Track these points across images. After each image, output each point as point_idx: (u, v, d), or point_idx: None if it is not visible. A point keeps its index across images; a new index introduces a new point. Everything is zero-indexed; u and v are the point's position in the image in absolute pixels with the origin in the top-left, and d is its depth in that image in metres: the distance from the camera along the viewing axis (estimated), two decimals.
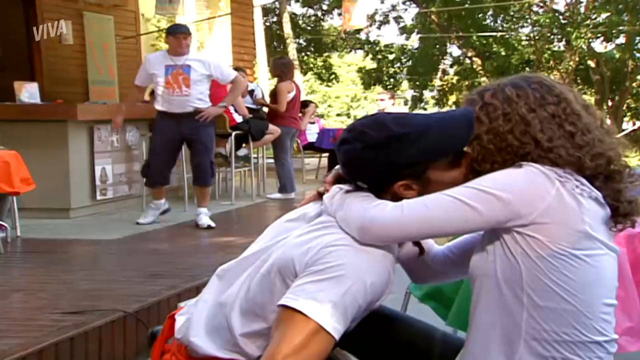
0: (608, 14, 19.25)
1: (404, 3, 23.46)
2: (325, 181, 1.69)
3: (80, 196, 6.17)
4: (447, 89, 23.19)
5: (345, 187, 1.61)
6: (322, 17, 25.46)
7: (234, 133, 7.04)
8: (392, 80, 24.39)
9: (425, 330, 1.81)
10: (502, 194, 1.45)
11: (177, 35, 5.59)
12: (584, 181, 1.50)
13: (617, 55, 19.46)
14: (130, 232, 5.45)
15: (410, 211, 1.49)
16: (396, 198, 1.57)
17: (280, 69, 7.69)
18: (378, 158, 1.55)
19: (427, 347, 1.76)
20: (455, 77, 23.27)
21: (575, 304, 1.47)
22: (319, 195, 1.68)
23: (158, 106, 5.68)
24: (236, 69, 8.82)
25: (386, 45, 24.46)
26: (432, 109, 23.86)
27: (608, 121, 1.65)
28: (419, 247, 1.75)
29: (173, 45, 5.63)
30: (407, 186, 1.57)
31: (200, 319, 1.63)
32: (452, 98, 22.48)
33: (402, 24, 23.79)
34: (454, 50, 23.64)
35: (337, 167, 1.69)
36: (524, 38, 20.94)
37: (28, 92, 6.32)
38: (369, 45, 24.63)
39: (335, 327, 1.44)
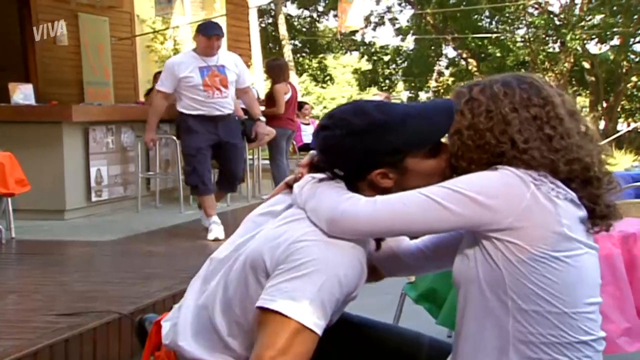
0: (602, 15, 19.31)
1: (399, 4, 23.52)
2: (300, 164, 1.68)
3: (75, 198, 6.16)
4: (442, 90, 23.23)
5: (318, 176, 1.60)
6: (317, 19, 25.48)
7: None
8: (387, 81, 24.43)
9: (412, 336, 1.80)
10: (478, 196, 1.45)
11: (211, 37, 5.24)
12: (559, 183, 1.51)
13: (612, 57, 19.51)
14: (126, 233, 5.44)
15: (383, 207, 1.49)
16: (372, 186, 1.57)
17: (274, 70, 7.69)
18: (358, 145, 1.55)
19: (414, 352, 1.76)
20: (451, 79, 23.32)
21: (559, 306, 1.48)
22: (288, 186, 1.67)
23: (190, 110, 5.28)
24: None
25: (382, 47, 24.50)
26: None
27: (594, 127, 1.66)
28: (377, 243, 1.74)
29: (203, 46, 5.27)
30: (384, 174, 1.57)
31: (187, 323, 1.62)
32: None
33: (397, 26, 23.84)
34: (450, 51, 23.71)
35: (312, 152, 1.68)
36: (519, 39, 20.99)
37: (22, 94, 6.31)
38: (365, 47, 24.66)
39: (316, 323, 1.44)
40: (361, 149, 1.55)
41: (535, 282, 1.46)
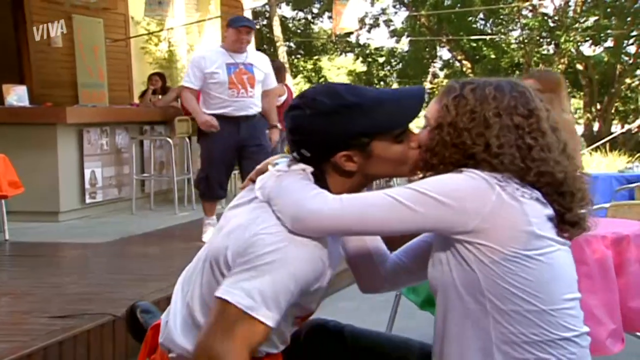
0: (596, 17, 19.38)
1: (394, 6, 23.55)
2: (270, 160, 1.69)
3: (70, 199, 6.15)
4: (437, 91, 23.28)
5: (282, 169, 1.59)
6: (312, 20, 25.49)
7: None
8: (382, 83, 24.45)
9: (402, 342, 1.80)
10: (443, 198, 1.46)
11: (240, 28, 4.91)
12: (523, 184, 1.52)
13: (605, 59, 19.58)
14: (120, 235, 5.43)
15: (348, 206, 1.49)
16: (336, 169, 1.58)
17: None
18: (326, 126, 1.55)
19: (403, 356, 1.75)
20: (446, 80, 23.34)
21: (537, 304, 1.49)
22: (252, 181, 1.67)
23: (212, 109, 5.00)
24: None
25: (376, 49, 24.53)
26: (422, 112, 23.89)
27: (576, 140, 1.68)
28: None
29: (232, 40, 4.95)
30: (349, 157, 1.57)
31: (176, 320, 1.64)
32: None
33: (392, 27, 23.87)
34: (444, 53, 23.75)
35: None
36: (513, 41, 21.05)
37: (17, 95, 6.29)
38: (359, 48, 24.68)
39: (266, 314, 1.45)
40: (329, 129, 1.55)
41: (511, 282, 1.47)
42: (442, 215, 1.46)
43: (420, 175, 1.59)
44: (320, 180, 1.58)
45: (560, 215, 1.54)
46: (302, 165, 1.59)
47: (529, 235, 1.48)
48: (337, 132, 1.55)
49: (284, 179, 1.57)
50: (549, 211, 1.53)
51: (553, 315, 1.50)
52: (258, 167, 1.68)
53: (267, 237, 1.49)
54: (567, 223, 1.55)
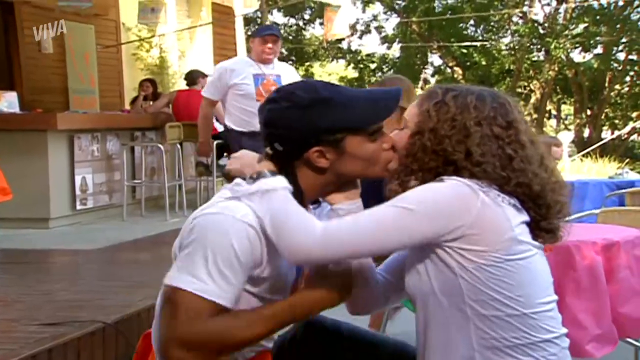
0: (585, 24, 19.51)
1: (385, 13, 23.61)
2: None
3: (60, 206, 6.12)
4: None
5: (267, 184, 1.55)
6: (303, 27, 25.53)
7: (215, 142, 7.03)
8: None
9: (399, 344, 1.79)
10: (430, 211, 1.47)
11: (265, 37, 4.83)
12: (501, 191, 1.53)
13: (595, 66, 19.70)
14: (111, 242, 5.41)
15: (341, 233, 1.48)
16: (308, 165, 1.58)
17: None
18: (300, 119, 1.56)
19: (399, 357, 1.75)
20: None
21: (518, 308, 1.50)
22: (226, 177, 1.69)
23: (241, 127, 4.89)
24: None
25: (368, 55, 24.58)
26: None
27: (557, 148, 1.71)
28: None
29: (257, 50, 4.86)
30: (321, 153, 1.58)
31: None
32: None
33: (383, 34, 23.93)
34: (435, 59, 23.82)
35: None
36: (504, 48, 21.14)
37: (7, 101, 6.27)
38: (351, 55, 24.73)
39: (213, 291, 1.46)
40: (304, 123, 1.56)
41: (493, 287, 1.49)
42: (430, 227, 1.47)
43: (399, 181, 1.59)
44: (291, 175, 1.58)
45: (535, 222, 1.56)
46: (282, 182, 1.55)
47: (512, 240, 1.50)
48: (312, 127, 1.56)
49: (272, 201, 1.53)
50: (525, 217, 1.55)
51: (533, 318, 1.51)
52: (236, 167, 1.66)
53: (200, 219, 1.53)
54: (543, 230, 1.58)
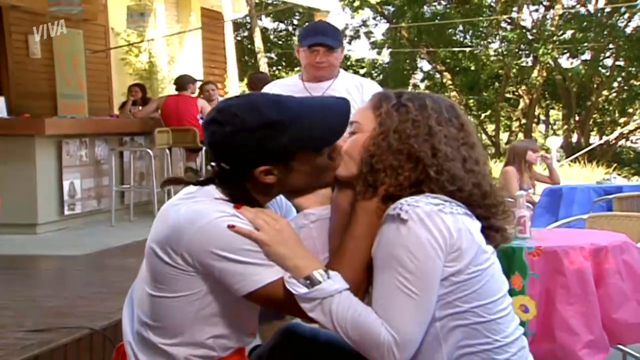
0: (573, 30, 19.65)
1: (374, 18, 23.67)
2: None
3: (48, 211, 6.08)
4: None
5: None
6: (293, 32, 25.54)
7: (204, 147, 7.02)
8: None
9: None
10: (426, 276, 1.48)
11: (313, 48, 3.22)
12: (452, 200, 1.55)
13: (583, 71, 19.83)
14: (99, 247, 5.38)
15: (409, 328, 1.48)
16: (254, 181, 1.58)
17: (256, 84, 7.69)
18: (247, 143, 1.54)
19: None
20: (427, 92, 23.48)
21: (485, 315, 1.52)
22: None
23: None
24: (207, 82, 8.83)
25: (357, 60, 24.62)
26: None
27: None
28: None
29: (304, 64, 3.32)
30: (269, 171, 1.57)
31: None
32: None
33: (372, 39, 23.99)
34: (424, 65, 23.90)
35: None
36: (492, 53, 21.25)
37: None
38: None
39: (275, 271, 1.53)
40: (250, 146, 1.54)
41: (462, 298, 1.51)
42: (437, 272, 1.49)
43: (368, 185, 1.58)
44: (242, 188, 1.58)
45: (486, 222, 1.59)
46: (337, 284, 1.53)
47: (478, 249, 1.52)
48: (258, 149, 1.54)
49: (333, 312, 1.51)
50: (479, 223, 1.57)
51: (497, 322, 1.54)
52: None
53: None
54: (493, 229, 1.60)
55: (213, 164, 1.62)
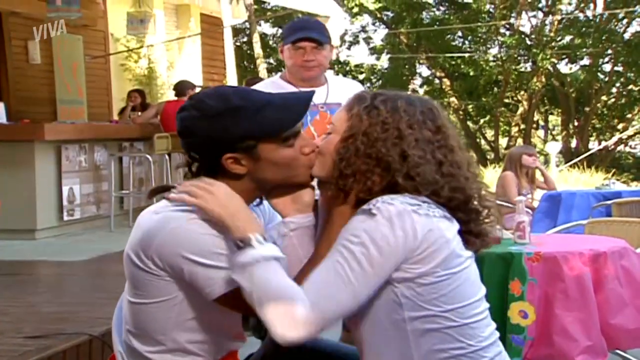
0: (572, 36, 19.69)
1: (373, 24, 23.70)
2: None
3: (47, 217, 6.08)
4: None
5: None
6: None
7: None
8: None
9: (340, 351, 1.77)
10: (380, 261, 1.46)
11: (299, 43, 2.83)
12: (430, 200, 1.53)
13: (582, 77, 19.86)
14: (98, 253, 5.37)
15: (321, 299, 1.46)
16: (225, 172, 1.58)
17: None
18: (211, 128, 1.56)
19: None
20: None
21: (456, 319, 1.50)
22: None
23: None
24: (206, 88, 8.82)
25: (356, 65, 24.64)
26: None
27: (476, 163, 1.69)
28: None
29: (293, 64, 2.87)
30: (236, 160, 1.58)
31: None
32: None
33: (371, 45, 24.02)
34: (424, 70, 23.92)
35: None
36: (491, 59, 21.28)
37: None
38: (340, 65, 24.77)
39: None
40: (214, 132, 1.56)
41: (433, 302, 1.49)
42: (388, 269, 1.47)
43: (338, 187, 1.57)
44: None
45: (465, 226, 1.56)
46: (270, 251, 1.50)
47: (450, 253, 1.50)
48: (222, 135, 1.56)
49: (254, 277, 1.47)
50: (457, 226, 1.55)
51: (471, 327, 1.51)
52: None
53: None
54: (473, 234, 1.58)
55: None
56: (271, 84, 2.94)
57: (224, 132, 1.56)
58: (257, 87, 3.04)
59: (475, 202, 1.59)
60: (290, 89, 2.79)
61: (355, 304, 1.47)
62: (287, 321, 1.43)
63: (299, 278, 1.54)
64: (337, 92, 2.89)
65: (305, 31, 2.85)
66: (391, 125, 1.55)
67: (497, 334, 1.58)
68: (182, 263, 1.52)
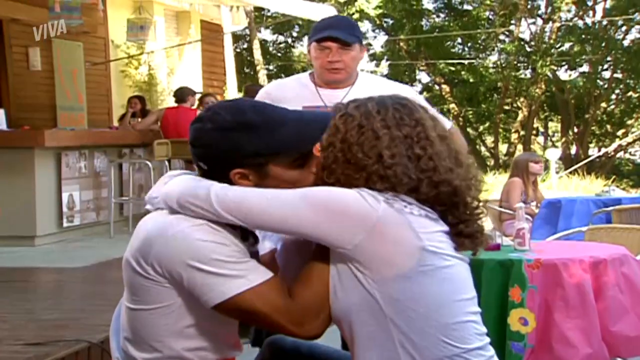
0: (570, 43, 19.72)
1: (373, 30, 23.76)
2: None
3: (47, 223, 6.08)
4: None
5: (172, 173, 1.66)
6: (292, 44, 25.63)
7: None
8: None
9: (335, 355, 1.77)
10: (328, 208, 1.48)
11: (324, 43, 2.63)
12: (412, 200, 1.53)
13: (581, 84, 19.89)
14: (98, 259, 5.37)
15: (238, 192, 1.52)
16: (231, 184, 1.58)
17: (251, 95, 7.70)
18: (223, 142, 1.56)
19: None
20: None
21: (437, 319, 1.49)
22: None
23: None
24: (207, 94, 8.84)
25: None
26: None
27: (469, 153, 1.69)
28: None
29: (318, 65, 2.68)
30: (244, 175, 1.57)
31: None
32: None
33: (371, 51, 24.05)
34: (423, 77, 23.96)
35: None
36: (491, 66, 21.32)
37: None
38: None
39: (255, 277, 1.53)
40: (225, 145, 1.56)
41: (409, 299, 1.48)
42: (321, 224, 1.48)
43: None
44: None
45: (455, 228, 1.55)
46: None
47: (421, 250, 1.49)
48: (233, 149, 1.56)
49: (175, 179, 1.60)
50: (442, 227, 1.54)
51: (455, 329, 1.50)
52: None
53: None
54: (463, 236, 1.56)
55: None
56: (296, 80, 2.83)
57: (235, 148, 1.55)
58: (284, 81, 3.00)
59: (464, 193, 1.57)
60: (313, 89, 2.70)
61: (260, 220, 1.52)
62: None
63: (293, 283, 1.56)
64: (358, 95, 2.41)
65: (331, 30, 2.63)
66: (366, 128, 1.56)
67: (488, 339, 1.57)
68: (181, 269, 1.52)
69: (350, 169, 1.55)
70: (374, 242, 1.47)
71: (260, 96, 2.82)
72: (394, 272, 1.47)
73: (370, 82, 2.78)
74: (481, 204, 1.60)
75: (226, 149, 1.56)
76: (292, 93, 2.71)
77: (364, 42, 2.82)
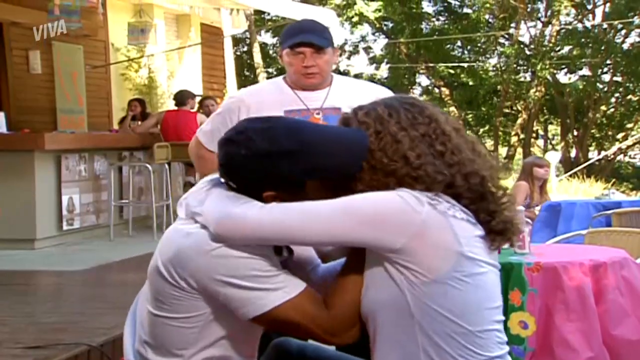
0: (570, 46, 19.74)
1: (373, 34, 23.78)
2: None
3: (46, 226, 6.07)
4: None
5: (210, 180, 1.62)
6: None
7: None
8: None
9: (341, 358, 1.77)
10: (369, 216, 1.47)
11: (296, 48, 2.63)
12: (455, 202, 1.52)
13: (581, 87, 19.91)
14: (98, 262, 5.36)
15: (275, 213, 1.50)
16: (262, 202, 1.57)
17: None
18: (258, 168, 1.54)
19: None
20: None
21: (465, 325, 1.48)
22: None
23: None
24: (207, 97, 8.85)
25: (356, 75, 24.66)
26: None
27: (484, 147, 1.66)
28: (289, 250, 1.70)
29: (293, 71, 2.68)
30: (276, 197, 1.56)
31: None
32: None
33: (371, 54, 24.08)
34: (423, 80, 23.98)
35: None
36: (490, 69, 21.33)
37: None
38: (340, 75, 24.83)
39: (293, 287, 1.54)
40: (261, 172, 1.54)
41: (440, 303, 1.47)
42: (364, 232, 1.47)
43: None
44: None
45: (487, 225, 1.54)
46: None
47: (459, 255, 1.48)
48: (268, 176, 1.54)
49: (212, 191, 1.57)
50: (480, 232, 1.53)
51: (480, 337, 1.50)
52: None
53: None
54: (494, 232, 1.55)
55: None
56: (273, 84, 2.82)
57: (271, 174, 1.54)
58: (259, 86, 3.08)
59: (487, 183, 1.55)
60: (291, 93, 2.69)
61: (303, 236, 1.51)
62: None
63: (329, 293, 1.58)
64: (337, 96, 2.71)
65: (304, 35, 2.62)
66: (384, 133, 1.54)
67: (507, 348, 1.56)
68: (218, 286, 1.52)
69: (378, 174, 1.53)
70: (415, 244, 1.46)
71: (231, 103, 2.79)
72: (430, 275, 1.47)
73: (346, 82, 2.85)
74: (507, 191, 1.59)
75: (262, 175, 1.54)
76: (270, 98, 2.70)
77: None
